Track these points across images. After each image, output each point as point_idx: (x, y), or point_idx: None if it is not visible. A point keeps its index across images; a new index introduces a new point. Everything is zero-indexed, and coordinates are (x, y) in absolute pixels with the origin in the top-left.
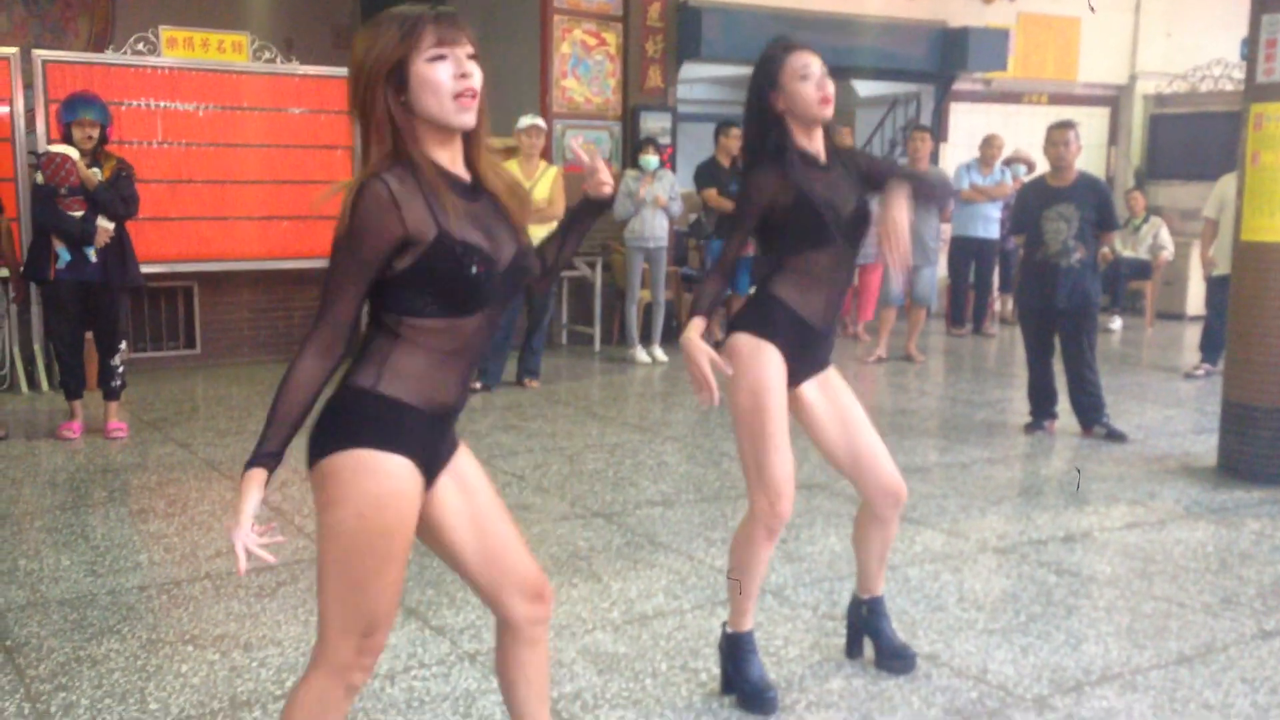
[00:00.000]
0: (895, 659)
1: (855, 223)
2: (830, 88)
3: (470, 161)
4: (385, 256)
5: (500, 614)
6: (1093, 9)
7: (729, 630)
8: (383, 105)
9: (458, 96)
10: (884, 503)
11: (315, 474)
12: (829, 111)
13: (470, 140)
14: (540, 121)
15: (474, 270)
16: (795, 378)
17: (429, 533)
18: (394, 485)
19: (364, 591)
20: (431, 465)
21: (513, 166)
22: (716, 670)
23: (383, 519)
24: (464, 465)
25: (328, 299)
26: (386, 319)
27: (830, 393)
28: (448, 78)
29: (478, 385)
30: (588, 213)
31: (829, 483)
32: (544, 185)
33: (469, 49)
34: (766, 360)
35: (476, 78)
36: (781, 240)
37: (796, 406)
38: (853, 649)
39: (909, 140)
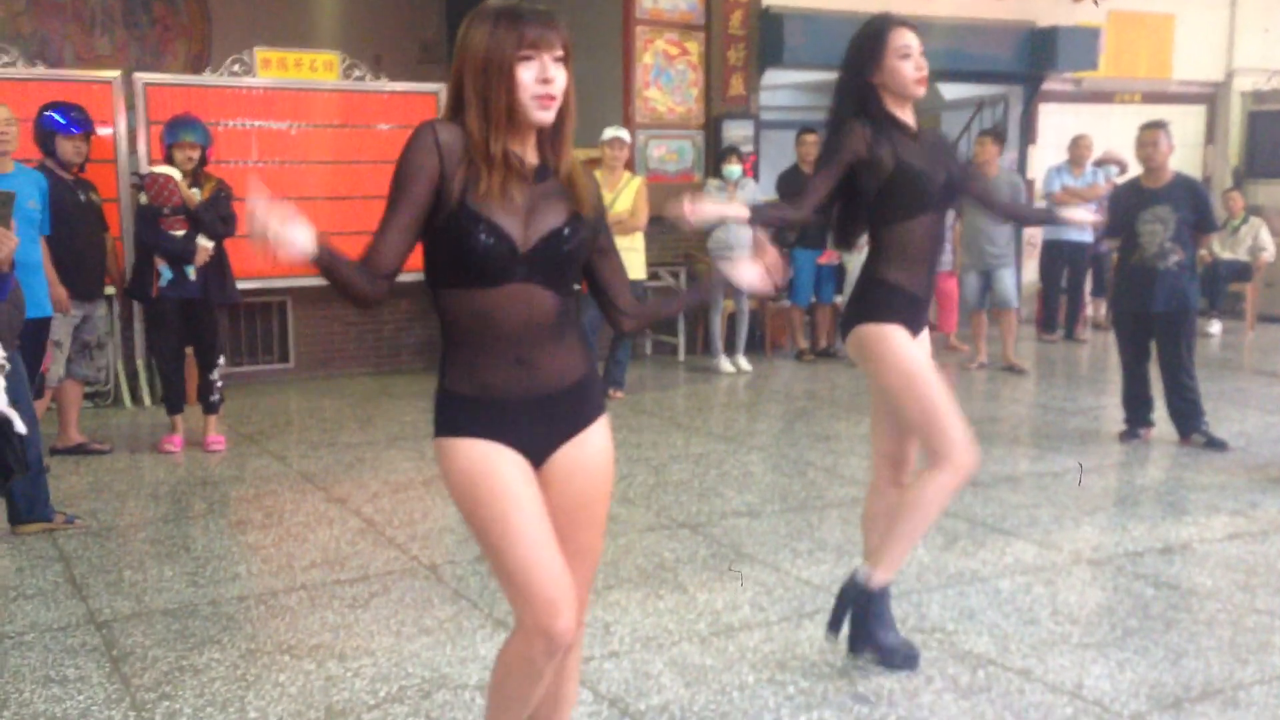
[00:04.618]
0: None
1: (946, 192)
2: (926, 67)
3: (544, 151)
4: (427, 196)
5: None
6: None
7: (871, 587)
8: (483, 93)
9: (537, 98)
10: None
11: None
12: (922, 90)
13: (549, 134)
14: (624, 134)
15: (482, 239)
16: None
17: None
18: (469, 461)
19: (503, 557)
20: (532, 447)
21: (598, 173)
22: (804, 682)
23: (479, 489)
24: (574, 454)
25: (377, 232)
26: (434, 296)
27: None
28: (531, 80)
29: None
30: (714, 288)
31: None
32: (627, 197)
33: (558, 51)
34: (897, 342)
35: (559, 82)
36: (881, 211)
37: None
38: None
39: (976, 145)
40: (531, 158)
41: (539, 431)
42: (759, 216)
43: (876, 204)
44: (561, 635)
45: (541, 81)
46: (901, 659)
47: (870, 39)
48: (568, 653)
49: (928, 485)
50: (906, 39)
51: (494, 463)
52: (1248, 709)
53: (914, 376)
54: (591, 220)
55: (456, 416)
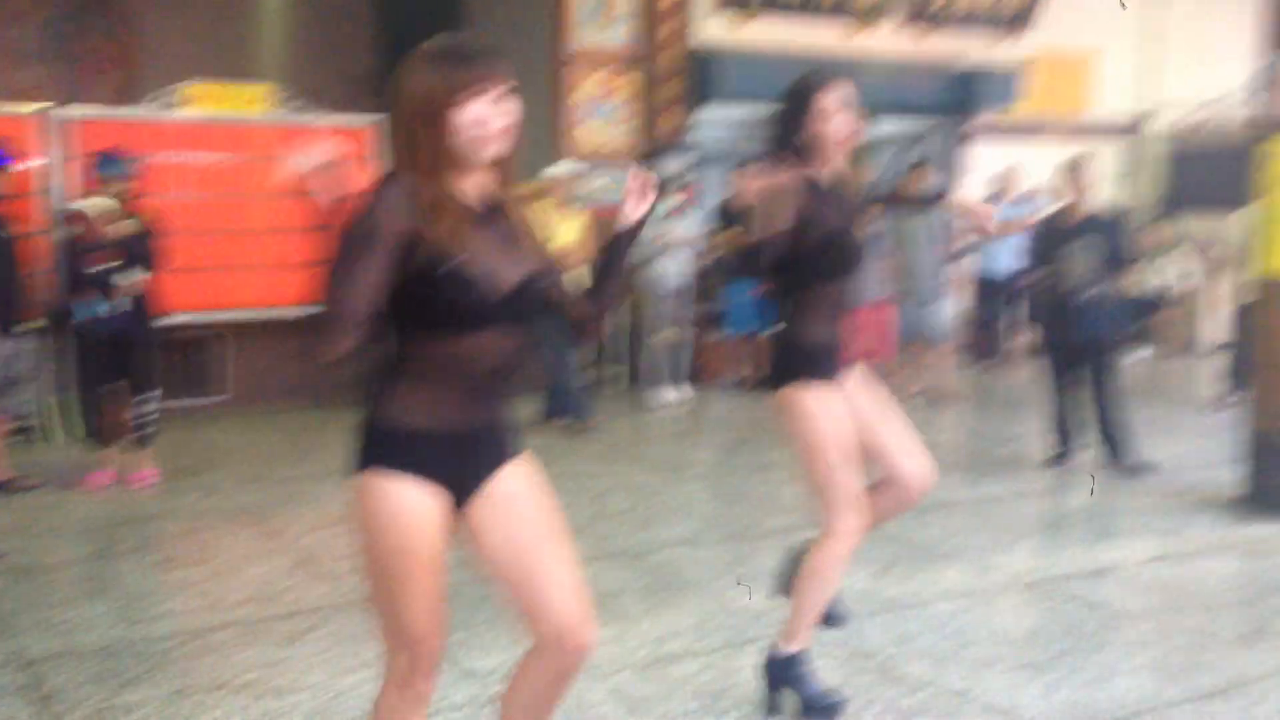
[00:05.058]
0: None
1: (861, 247)
2: (857, 123)
3: (491, 188)
4: (397, 251)
5: (532, 631)
6: (1124, 4)
7: (788, 652)
8: (424, 138)
9: (491, 135)
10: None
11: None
12: (851, 145)
13: (496, 169)
14: (576, 167)
15: (463, 289)
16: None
17: (472, 550)
18: (397, 506)
19: (396, 606)
20: (459, 485)
21: (547, 207)
22: (744, 709)
23: (393, 539)
24: (511, 483)
25: (337, 281)
26: (391, 342)
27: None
28: (485, 116)
29: (570, 423)
30: (620, 244)
31: None
32: (573, 229)
33: (506, 85)
34: (810, 407)
35: (512, 115)
36: (803, 273)
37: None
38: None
39: (907, 178)
40: (480, 197)
41: (477, 463)
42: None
43: (801, 264)
44: (422, 695)
45: (496, 116)
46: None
47: (802, 91)
48: (581, 660)
49: (819, 555)
50: (840, 94)
51: (413, 516)
52: None
53: (818, 448)
54: (545, 270)
55: (386, 451)
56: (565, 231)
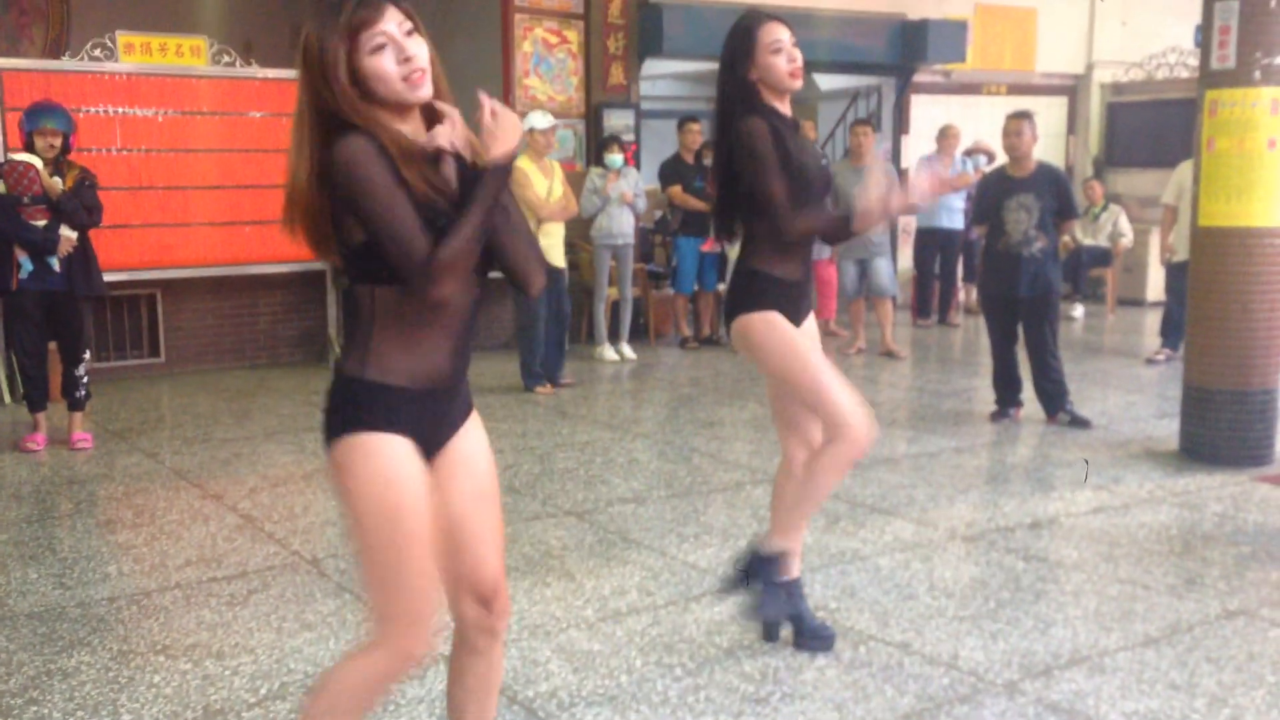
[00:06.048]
0: (815, 639)
1: (823, 183)
2: (800, 59)
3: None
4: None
5: (453, 613)
6: None
7: (769, 551)
8: (344, 99)
9: (405, 79)
10: (827, 432)
11: (329, 467)
12: (798, 83)
13: (430, 109)
14: (551, 118)
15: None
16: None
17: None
18: (393, 468)
19: (399, 567)
20: (430, 442)
21: (525, 164)
22: (691, 663)
23: (392, 501)
24: (465, 444)
25: (399, 224)
26: (360, 293)
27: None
28: (392, 64)
29: (549, 388)
30: (487, 184)
31: None
32: (559, 182)
33: (404, 24)
34: (778, 327)
35: (421, 57)
36: (758, 202)
37: None
38: (770, 632)
39: (851, 134)
40: (425, 140)
41: (446, 420)
42: (823, 220)
43: (756, 196)
44: (423, 659)
45: (403, 61)
46: (816, 641)
47: (741, 37)
48: (496, 640)
49: (824, 456)
50: (776, 34)
51: (410, 473)
52: (1113, 674)
53: (798, 358)
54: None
55: (374, 409)
56: (555, 186)
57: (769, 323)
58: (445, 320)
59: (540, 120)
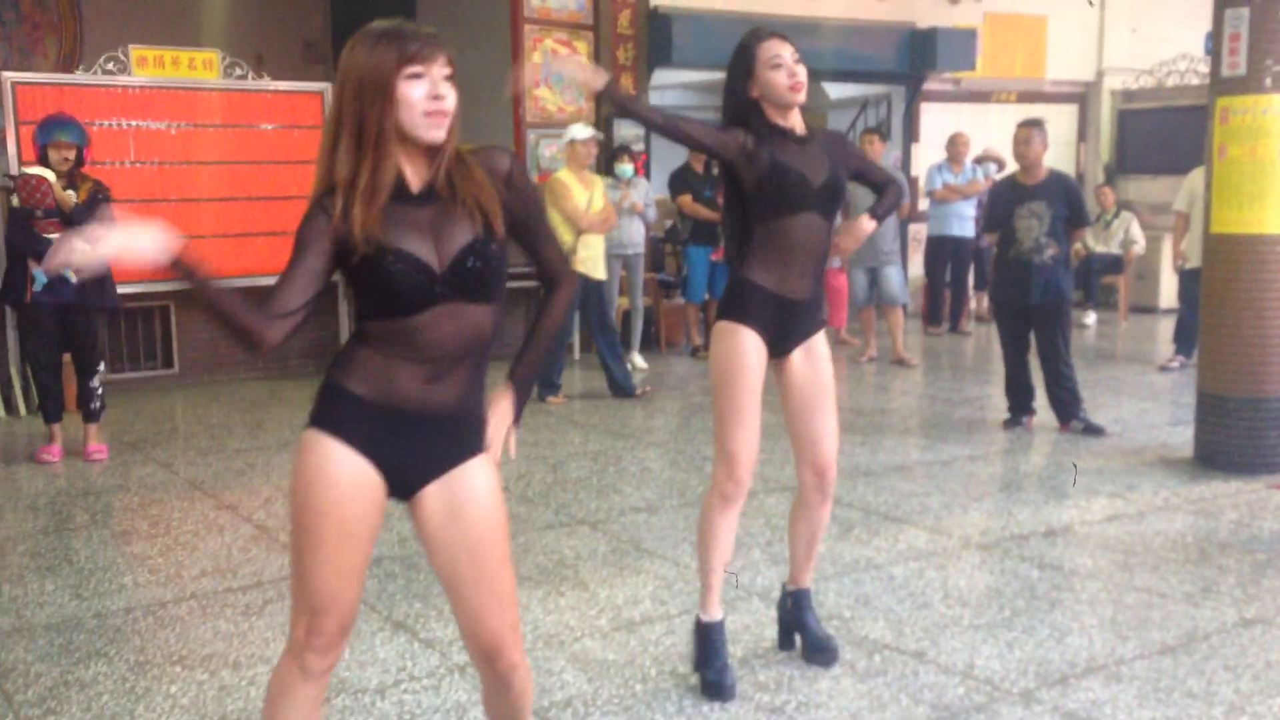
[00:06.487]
0: (818, 652)
1: (828, 193)
2: (801, 74)
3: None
4: (327, 244)
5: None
6: None
7: (700, 619)
8: (373, 118)
9: (428, 115)
10: (810, 480)
11: None
12: (799, 97)
13: (436, 152)
14: (596, 133)
15: (396, 268)
16: (782, 349)
17: (421, 538)
18: (321, 465)
19: (303, 567)
20: (403, 466)
21: (566, 176)
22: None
23: (310, 497)
24: (466, 491)
25: (279, 277)
26: (360, 325)
27: (811, 361)
28: (422, 97)
29: (560, 398)
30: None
31: None
32: (600, 194)
33: (446, 70)
34: (737, 341)
35: (450, 100)
36: (755, 208)
37: (783, 374)
38: (784, 641)
39: (861, 142)
40: (423, 178)
41: (417, 451)
42: (613, 95)
43: (752, 200)
44: (319, 670)
45: (433, 98)
46: (818, 655)
47: (741, 55)
48: (519, 682)
49: (701, 513)
50: (776, 49)
51: (334, 478)
52: (1130, 683)
53: (731, 382)
54: (502, 228)
55: (337, 414)
56: (596, 198)
57: (730, 333)
58: (433, 350)
59: (580, 131)
